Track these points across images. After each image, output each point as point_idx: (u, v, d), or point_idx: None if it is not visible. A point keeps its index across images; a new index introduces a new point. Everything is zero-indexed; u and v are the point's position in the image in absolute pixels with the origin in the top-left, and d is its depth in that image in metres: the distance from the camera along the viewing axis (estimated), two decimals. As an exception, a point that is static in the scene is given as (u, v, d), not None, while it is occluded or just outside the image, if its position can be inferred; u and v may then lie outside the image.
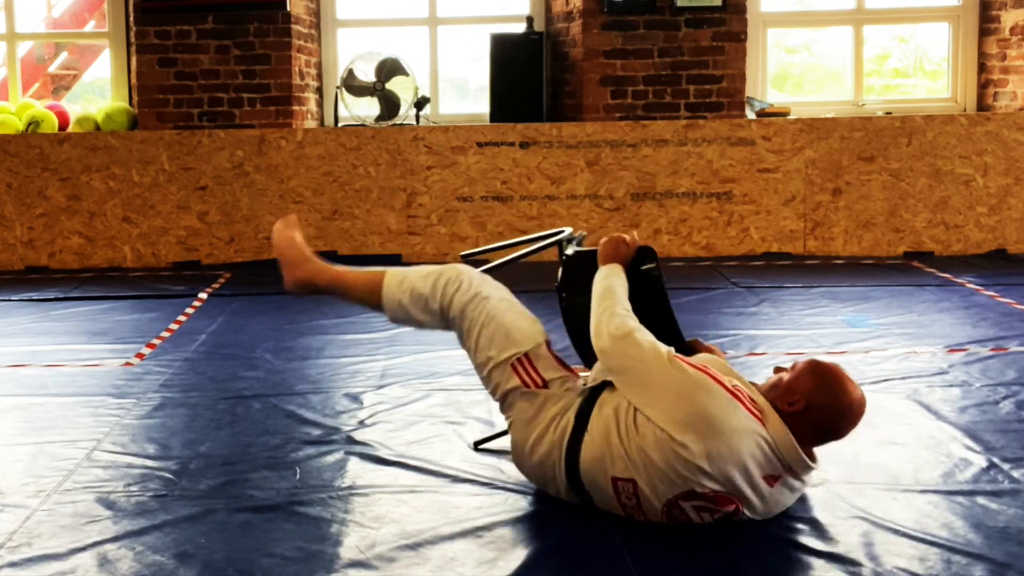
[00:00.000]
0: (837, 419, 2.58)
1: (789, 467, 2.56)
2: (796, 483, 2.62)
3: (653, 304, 2.90)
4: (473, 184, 6.71)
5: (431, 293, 2.89)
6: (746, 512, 2.58)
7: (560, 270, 3.06)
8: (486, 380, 2.86)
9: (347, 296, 3.04)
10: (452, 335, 2.98)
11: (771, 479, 2.55)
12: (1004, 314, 5.07)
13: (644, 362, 2.60)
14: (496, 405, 2.95)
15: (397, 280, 2.94)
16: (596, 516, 2.73)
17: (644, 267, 2.92)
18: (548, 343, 2.85)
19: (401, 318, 2.96)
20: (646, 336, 2.67)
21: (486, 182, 6.70)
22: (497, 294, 2.88)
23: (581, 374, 2.86)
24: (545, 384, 2.75)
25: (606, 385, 2.71)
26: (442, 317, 2.90)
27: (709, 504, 2.54)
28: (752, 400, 2.58)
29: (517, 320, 2.83)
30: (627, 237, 2.91)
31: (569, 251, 3.11)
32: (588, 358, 2.90)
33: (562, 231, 3.22)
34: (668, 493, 2.54)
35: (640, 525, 2.68)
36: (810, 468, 2.58)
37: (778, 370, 2.71)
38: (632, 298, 2.82)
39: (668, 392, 2.54)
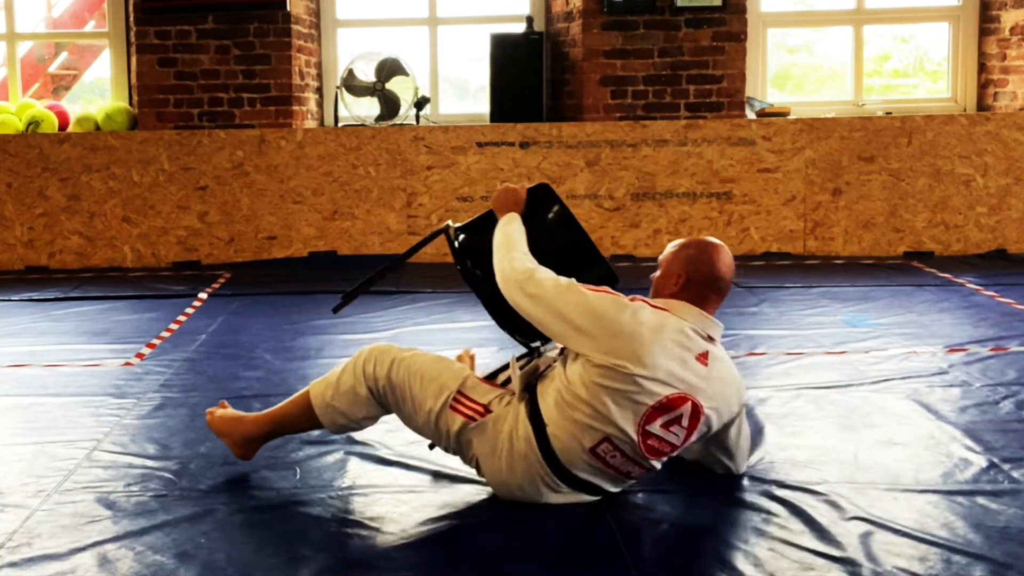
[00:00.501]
0: (714, 272, 2.79)
1: (708, 336, 2.74)
2: (719, 351, 2.77)
3: (570, 240, 2.99)
4: (473, 184, 6.71)
5: (355, 380, 2.92)
6: (705, 407, 2.70)
7: (460, 261, 3.06)
8: (436, 435, 2.88)
9: (290, 430, 3.10)
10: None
11: (702, 357, 2.71)
12: (1004, 314, 5.07)
13: (552, 299, 2.71)
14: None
15: (321, 390, 2.97)
16: (596, 516, 2.74)
17: (550, 213, 3.02)
18: (473, 374, 2.91)
19: (341, 423, 2.98)
20: (546, 274, 2.77)
21: (486, 182, 6.70)
22: (410, 352, 2.93)
23: (510, 387, 2.88)
24: (487, 408, 2.79)
25: (538, 379, 2.82)
26: (376, 399, 2.92)
27: (670, 413, 2.66)
28: (650, 302, 2.77)
29: (438, 366, 2.88)
30: (516, 185, 3.04)
31: (458, 240, 3.11)
32: (512, 327, 2.95)
33: (441, 229, 3.20)
34: (632, 424, 2.64)
35: (641, 525, 2.68)
36: (719, 326, 2.79)
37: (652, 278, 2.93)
38: (550, 241, 2.93)
39: (584, 319, 2.67)
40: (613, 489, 2.81)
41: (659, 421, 2.67)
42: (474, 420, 2.78)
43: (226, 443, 3.10)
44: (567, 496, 2.79)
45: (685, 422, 2.69)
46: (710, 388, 2.72)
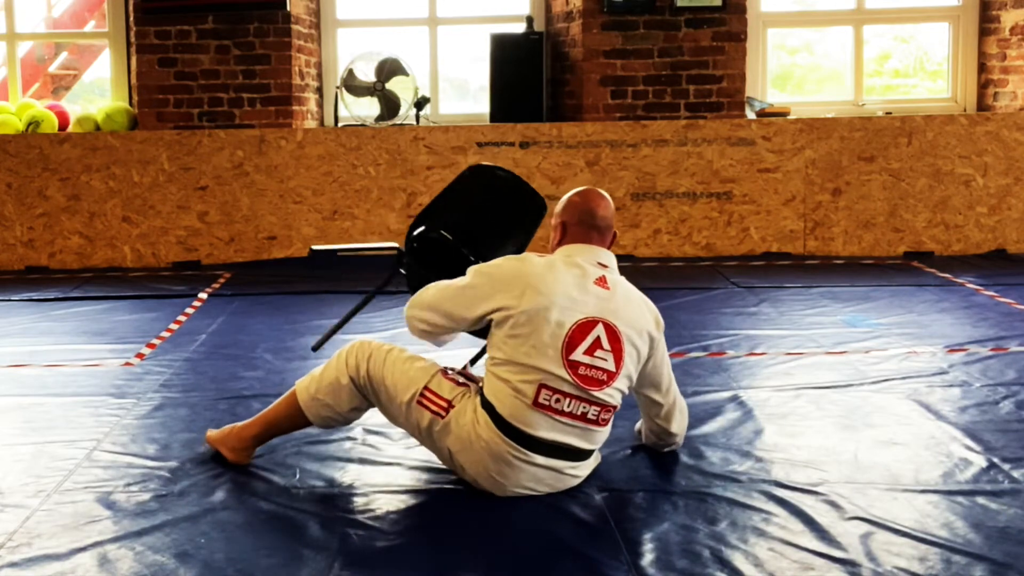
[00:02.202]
0: (587, 208, 2.97)
1: (599, 263, 2.91)
2: (619, 277, 2.94)
3: (453, 254, 3.17)
4: (473, 184, 6.70)
5: (338, 372, 3.00)
6: (620, 327, 2.83)
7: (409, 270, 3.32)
8: (408, 427, 2.97)
9: (279, 430, 3.16)
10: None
11: (600, 281, 2.87)
12: (1004, 314, 5.07)
13: (440, 289, 2.93)
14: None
15: (306, 384, 3.06)
16: (596, 516, 2.74)
17: (415, 233, 3.27)
18: (443, 370, 2.96)
19: (326, 415, 3.04)
20: (428, 289, 2.98)
21: (486, 182, 6.69)
22: (387, 347, 3.01)
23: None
24: (450, 404, 2.87)
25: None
26: (358, 390, 2.99)
27: (586, 338, 2.79)
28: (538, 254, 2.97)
29: (410, 362, 2.96)
30: None
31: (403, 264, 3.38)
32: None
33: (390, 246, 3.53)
34: (556, 361, 2.76)
35: (641, 525, 2.68)
36: (610, 255, 2.96)
37: None
38: (441, 259, 3.15)
39: (475, 279, 2.88)
40: (587, 445, 2.87)
41: (580, 348, 2.78)
42: (440, 416, 2.86)
43: (221, 451, 3.15)
44: (549, 475, 2.82)
45: (606, 344, 2.81)
46: (616, 307, 2.85)
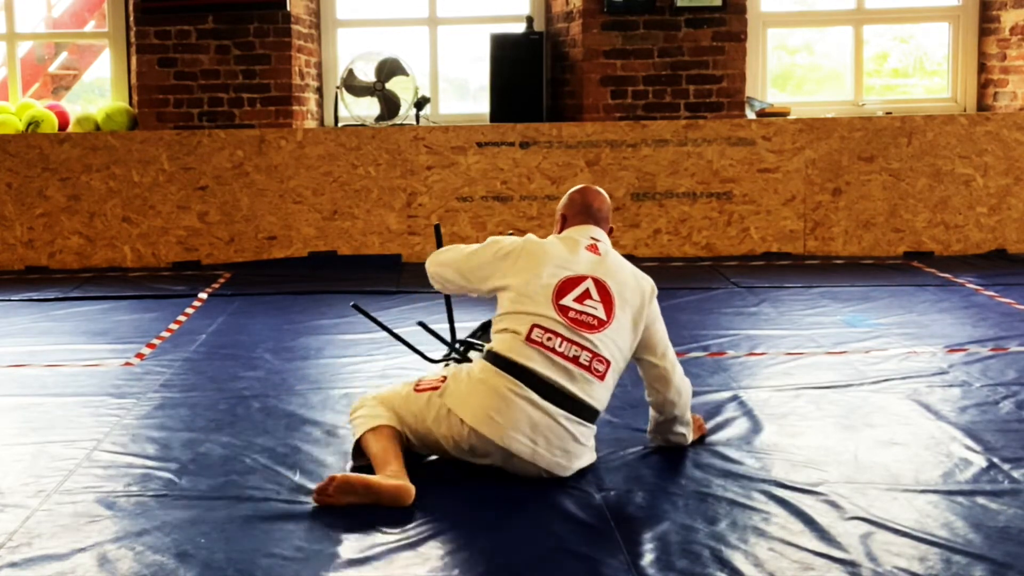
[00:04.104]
0: (583, 201, 3.27)
1: (592, 238, 3.17)
2: (607, 246, 3.19)
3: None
4: (473, 184, 6.71)
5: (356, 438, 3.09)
6: (609, 283, 3.05)
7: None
8: (433, 423, 3.02)
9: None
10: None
11: (591, 248, 3.13)
12: (1004, 314, 5.07)
13: (461, 260, 3.25)
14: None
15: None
16: (596, 516, 2.74)
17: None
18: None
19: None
20: (449, 251, 3.33)
21: (486, 182, 6.70)
22: (371, 395, 3.20)
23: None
24: (443, 379, 3.06)
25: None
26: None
27: (575, 288, 3.02)
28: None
29: (392, 391, 3.15)
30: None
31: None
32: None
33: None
34: (548, 304, 2.99)
35: (642, 528, 2.68)
36: (602, 231, 3.23)
37: None
38: None
39: (484, 253, 3.19)
40: (583, 396, 2.95)
41: (570, 296, 3.02)
42: (437, 388, 3.02)
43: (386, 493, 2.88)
44: (546, 423, 2.89)
45: (595, 295, 3.04)
46: (607, 269, 3.10)
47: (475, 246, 3.26)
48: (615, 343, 3.00)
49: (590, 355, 2.96)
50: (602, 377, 2.98)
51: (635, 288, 3.10)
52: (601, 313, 3.01)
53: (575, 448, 2.96)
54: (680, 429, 3.21)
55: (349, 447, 3.26)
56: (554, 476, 2.96)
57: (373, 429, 3.01)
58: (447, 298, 3.62)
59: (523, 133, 6.69)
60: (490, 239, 3.25)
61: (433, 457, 3.12)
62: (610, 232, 3.28)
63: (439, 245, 3.50)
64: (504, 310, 3.07)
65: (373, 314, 3.74)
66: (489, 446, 2.92)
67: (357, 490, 2.78)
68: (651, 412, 3.24)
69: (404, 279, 5.92)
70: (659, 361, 3.15)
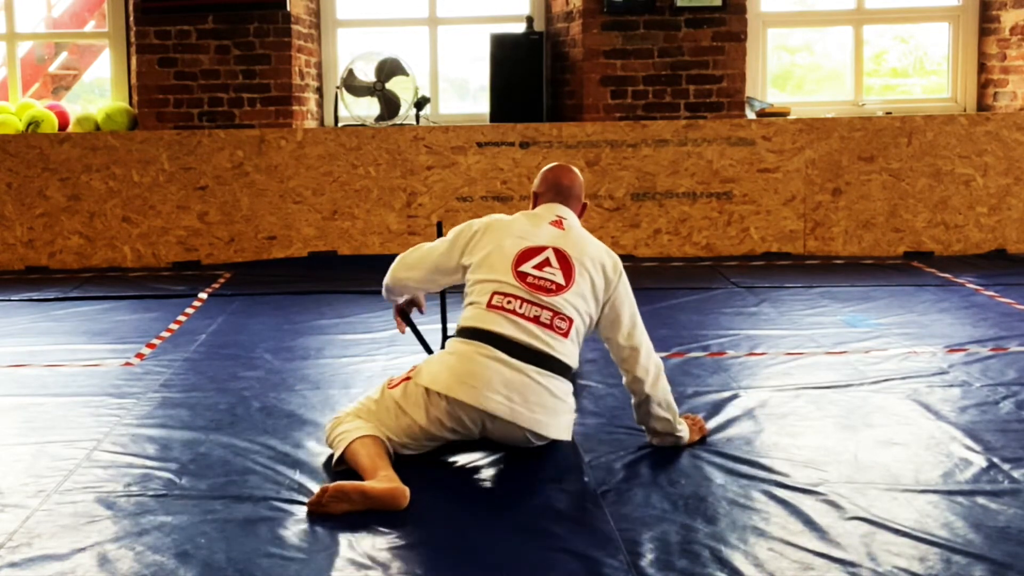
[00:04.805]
0: (552, 179, 3.41)
1: (557, 214, 3.29)
2: (573, 223, 3.31)
3: None
4: (473, 184, 6.71)
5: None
6: (571, 253, 3.17)
7: None
8: (414, 414, 3.07)
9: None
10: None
11: (555, 223, 3.26)
12: (1004, 314, 5.07)
13: (419, 252, 3.44)
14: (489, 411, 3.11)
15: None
16: (596, 515, 2.74)
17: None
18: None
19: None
20: (412, 252, 3.47)
21: (486, 182, 6.70)
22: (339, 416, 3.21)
23: None
24: (412, 368, 3.19)
25: None
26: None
27: (535, 256, 3.16)
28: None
29: (361, 404, 3.19)
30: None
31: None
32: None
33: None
34: (506, 271, 3.12)
35: (642, 528, 2.68)
36: (566, 208, 3.35)
37: None
38: None
39: (451, 239, 3.34)
40: (549, 351, 3.05)
41: (529, 264, 3.15)
42: (408, 378, 3.12)
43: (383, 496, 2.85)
44: (519, 380, 2.99)
45: (555, 263, 3.16)
46: (569, 242, 3.21)
47: (440, 240, 3.39)
48: (574, 306, 3.13)
49: (551, 314, 3.09)
50: (565, 334, 3.10)
51: (596, 259, 3.20)
52: (560, 279, 3.14)
53: (552, 403, 3.04)
54: (659, 412, 3.19)
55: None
56: (541, 441, 3.06)
57: (359, 438, 3.00)
58: (442, 296, 3.73)
59: (523, 133, 6.69)
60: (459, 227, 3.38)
61: (430, 456, 3.12)
62: (583, 209, 3.43)
63: None
64: (469, 284, 3.21)
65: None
66: (470, 412, 3.01)
67: (352, 497, 2.75)
68: (632, 400, 3.26)
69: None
70: (625, 341, 3.21)
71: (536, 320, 3.07)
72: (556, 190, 3.39)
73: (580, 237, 3.26)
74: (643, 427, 3.28)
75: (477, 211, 6.69)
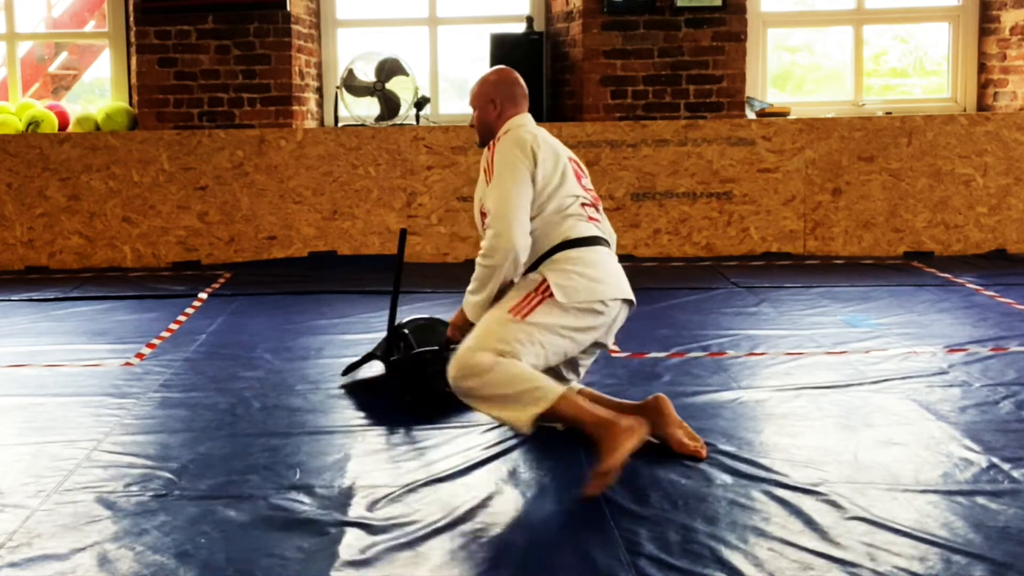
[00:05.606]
0: (510, 79, 3.59)
1: (549, 145, 3.47)
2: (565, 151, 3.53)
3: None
4: (473, 184, 6.70)
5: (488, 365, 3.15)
6: (579, 161, 3.55)
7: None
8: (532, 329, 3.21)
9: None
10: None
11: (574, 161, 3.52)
12: (1004, 314, 5.07)
13: (512, 203, 3.33)
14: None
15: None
16: (596, 515, 2.74)
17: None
18: None
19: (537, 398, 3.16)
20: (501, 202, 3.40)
21: (486, 182, 6.69)
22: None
23: None
24: (531, 295, 3.24)
25: None
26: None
27: (577, 168, 3.49)
28: (506, 136, 3.50)
29: (499, 348, 3.21)
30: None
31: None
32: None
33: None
34: (576, 186, 3.41)
35: (642, 528, 2.68)
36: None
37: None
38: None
39: (523, 168, 3.38)
40: (609, 238, 3.43)
41: (582, 177, 3.48)
42: (542, 299, 3.20)
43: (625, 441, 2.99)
44: (618, 267, 3.34)
45: (581, 169, 3.54)
46: (573, 184, 3.46)
47: (511, 182, 3.30)
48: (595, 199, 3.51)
49: (596, 210, 3.45)
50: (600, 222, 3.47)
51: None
52: (588, 183, 3.52)
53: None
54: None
55: (349, 447, 3.27)
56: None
57: (562, 395, 3.04)
58: (394, 294, 3.89)
59: (523, 133, 6.68)
60: (508, 162, 3.35)
61: (430, 456, 3.11)
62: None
63: (401, 251, 3.85)
64: (552, 198, 3.32)
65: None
66: (623, 308, 3.31)
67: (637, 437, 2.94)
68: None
69: (404, 279, 5.91)
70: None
71: (599, 221, 3.43)
72: (519, 94, 3.58)
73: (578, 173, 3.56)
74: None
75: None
